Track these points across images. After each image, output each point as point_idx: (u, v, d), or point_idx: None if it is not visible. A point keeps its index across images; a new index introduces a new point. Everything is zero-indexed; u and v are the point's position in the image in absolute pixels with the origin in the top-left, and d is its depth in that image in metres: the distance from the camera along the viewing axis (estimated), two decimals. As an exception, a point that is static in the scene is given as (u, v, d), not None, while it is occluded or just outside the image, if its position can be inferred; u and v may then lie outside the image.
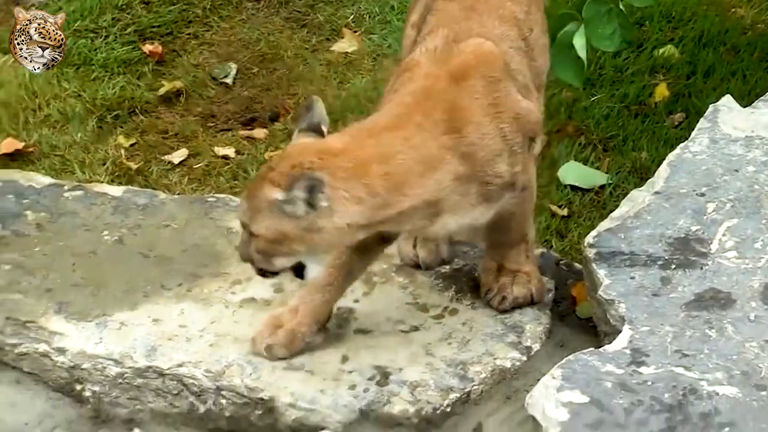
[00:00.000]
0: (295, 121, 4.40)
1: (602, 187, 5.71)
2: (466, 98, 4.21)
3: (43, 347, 4.50)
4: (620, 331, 4.15)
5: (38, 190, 5.11)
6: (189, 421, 4.41)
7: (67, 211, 5.01)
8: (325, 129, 4.23)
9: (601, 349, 4.10)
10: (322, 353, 4.46)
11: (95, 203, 5.07)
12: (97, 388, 4.46)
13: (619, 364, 4.01)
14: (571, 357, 4.07)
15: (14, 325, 4.55)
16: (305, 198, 3.97)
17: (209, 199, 5.13)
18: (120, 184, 5.46)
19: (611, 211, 4.72)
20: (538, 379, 4.05)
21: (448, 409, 4.33)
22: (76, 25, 6.63)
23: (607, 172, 5.77)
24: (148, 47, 6.59)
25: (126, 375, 4.43)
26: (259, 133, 6.11)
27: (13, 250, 4.83)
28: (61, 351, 4.47)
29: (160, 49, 6.59)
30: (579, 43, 5.15)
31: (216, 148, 6.01)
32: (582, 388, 3.93)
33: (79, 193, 5.11)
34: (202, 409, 4.39)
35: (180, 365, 4.41)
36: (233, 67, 6.39)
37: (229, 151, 5.99)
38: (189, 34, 6.72)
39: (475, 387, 4.38)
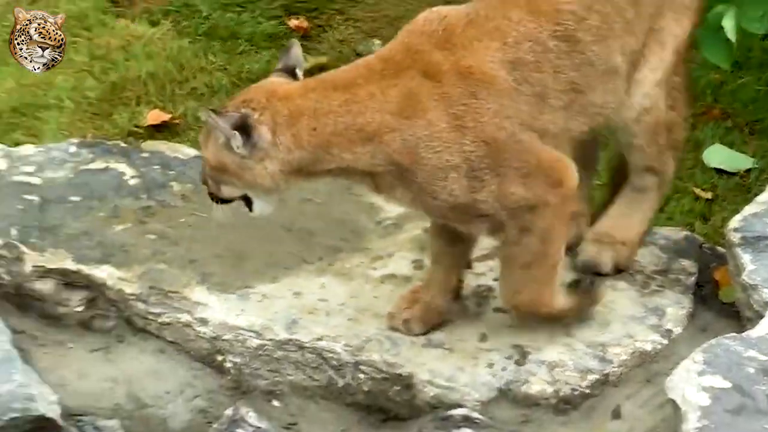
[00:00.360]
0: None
1: (748, 171, 5.69)
2: (427, 94, 4.22)
3: (185, 317, 4.69)
4: (763, 317, 4.17)
5: (184, 161, 5.32)
6: (327, 394, 4.56)
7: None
8: (299, 72, 4.41)
9: (743, 334, 4.12)
10: (461, 331, 4.56)
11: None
12: (238, 360, 4.63)
13: (762, 350, 4.02)
14: (713, 341, 4.10)
15: (158, 295, 4.74)
16: (240, 137, 4.19)
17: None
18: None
19: (756, 195, 4.73)
20: (679, 363, 4.09)
21: (587, 391, 4.40)
22: (224, -1, 6.85)
23: (752, 156, 5.74)
24: (293, 22, 6.76)
25: (266, 347, 4.59)
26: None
27: (158, 221, 5.03)
28: (204, 321, 4.65)
29: (305, 24, 6.75)
30: (729, 24, 5.14)
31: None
32: (724, 373, 3.96)
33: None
34: (340, 383, 4.54)
35: (319, 339, 4.56)
36: (378, 44, 6.49)
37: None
38: (335, 9, 6.86)
39: (614, 369, 4.43)
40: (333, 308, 4.67)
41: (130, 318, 4.74)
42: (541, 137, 4.30)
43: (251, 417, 4.43)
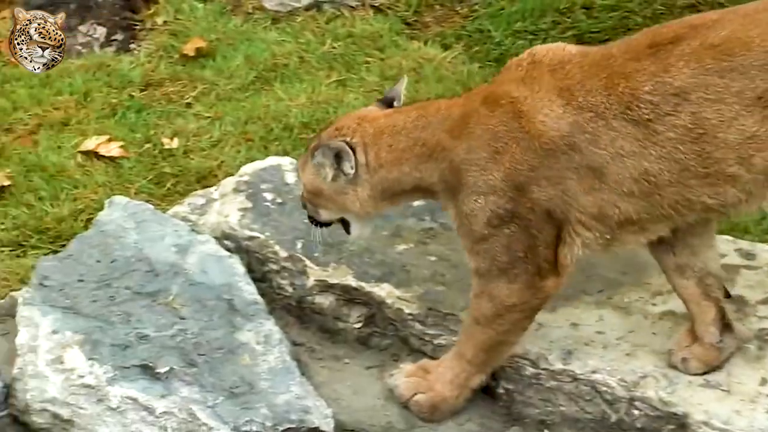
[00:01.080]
0: None
1: None
2: (477, 120, 4.40)
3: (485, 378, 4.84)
4: None
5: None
6: (600, 428, 4.68)
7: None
8: (397, 103, 4.71)
9: None
10: (740, 373, 4.61)
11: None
12: (511, 386, 4.81)
13: None
14: None
15: (435, 316, 4.97)
16: (332, 165, 4.54)
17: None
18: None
19: None
20: None
21: None
22: (516, 26, 7.05)
23: None
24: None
25: (540, 376, 4.76)
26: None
27: (439, 243, 5.26)
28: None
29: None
30: None
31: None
32: None
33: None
34: (613, 417, 4.65)
35: (594, 371, 4.69)
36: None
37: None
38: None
39: None
40: (610, 342, 4.79)
41: (407, 337, 5.00)
42: (597, 219, 4.38)
43: (522, 445, 4.63)
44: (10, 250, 6.00)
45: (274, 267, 5.16)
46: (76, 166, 6.45)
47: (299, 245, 5.18)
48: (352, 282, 5.07)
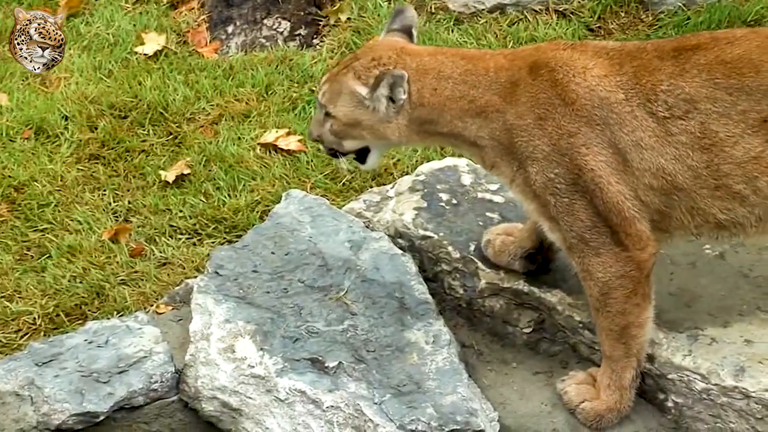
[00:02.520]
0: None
1: None
2: (524, 87, 4.54)
3: (639, 363, 4.87)
4: None
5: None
6: (770, 448, 4.70)
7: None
8: (414, 32, 4.81)
9: None
10: None
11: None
12: (680, 400, 4.84)
13: None
14: None
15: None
16: (387, 94, 4.59)
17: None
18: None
19: None
20: None
21: None
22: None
23: None
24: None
25: (711, 391, 4.78)
26: None
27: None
28: (650, 358, 4.88)
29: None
30: None
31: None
32: None
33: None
34: (783, 438, 4.66)
35: (767, 390, 4.69)
36: None
37: None
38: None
39: None
40: (788, 360, 4.79)
41: (577, 345, 5.07)
42: (636, 198, 4.51)
43: (688, 459, 4.66)
44: (187, 238, 6.25)
45: (446, 267, 5.28)
46: (255, 158, 6.68)
47: (472, 247, 5.28)
48: (523, 287, 5.16)
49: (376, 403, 4.76)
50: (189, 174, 6.63)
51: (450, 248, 5.28)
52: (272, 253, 5.25)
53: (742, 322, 4.96)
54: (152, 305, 5.52)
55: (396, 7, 4.96)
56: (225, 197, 6.45)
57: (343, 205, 5.68)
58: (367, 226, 5.40)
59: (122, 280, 6.05)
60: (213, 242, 6.15)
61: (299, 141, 6.72)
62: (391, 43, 4.82)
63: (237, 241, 5.43)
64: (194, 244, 6.23)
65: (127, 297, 5.92)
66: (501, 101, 4.62)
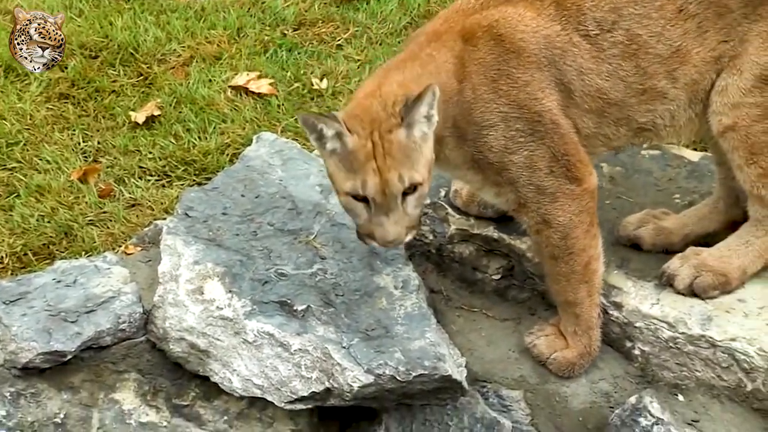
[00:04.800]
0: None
1: None
2: (469, 59, 4.50)
3: (599, 300, 4.92)
4: None
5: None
6: (734, 396, 4.72)
7: (642, 168, 5.43)
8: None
9: None
10: None
11: (671, 165, 5.47)
12: (647, 348, 4.86)
13: None
14: None
15: (575, 274, 5.05)
16: (429, 113, 4.42)
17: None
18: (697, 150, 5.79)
19: None
20: None
21: None
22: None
23: None
24: None
25: (678, 340, 4.80)
26: None
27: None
28: (617, 306, 4.90)
29: None
30: None
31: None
32: None
33: (656, 152, 5.53)
34: (749, 386, 4.68)
35: (733, 339, 4.71)
36: None
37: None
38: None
39: None
40: (751, 310, 4.81)
41: (545, 292, 5.08)
42: (575, 128, 4.58)
43: (654, 408, 4.68)
44: (156, 180, 6.23)
45: (416, 213, 5.26)
46: (226, 100, 6.65)
47: (443, 193, 5.29)
48: (493, 233, 5.16)
49: (344, 347, 4.76)
50: (159, 115, 6.60)
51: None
52: (242, 195, 5.23)
53: (710, 272, 4.99)
54: (121, 246, 5.50)
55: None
56: (195, 139, 6.42)
57: (314, 149, 5.65)
58: (337, 171, 5.37)
59: (91, 220, 6.03)
60: (182, 184, 6.13)
61: (270, 84, 6.69)
62: (377, 83, 4.54)
63: (207, 184, 5.41)
64: (163, 186, 6.21)
65: (95, 237, 5.90)
66: (457, 83, 4.57)
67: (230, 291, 4.87)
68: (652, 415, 4.68)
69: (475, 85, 4.55)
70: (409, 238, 4.48)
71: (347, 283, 4.95)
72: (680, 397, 4.79)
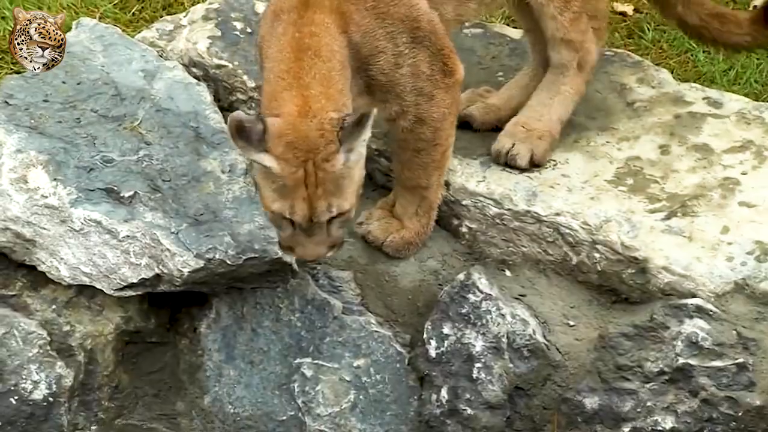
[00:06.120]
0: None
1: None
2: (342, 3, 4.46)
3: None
4: None
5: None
6: (560, 270, 4.84)
7: (465, 47, 5.43)
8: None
9: None
10: (703, 221, 4.74)
11: (493, 43, 5.51)
12: (474, 226, 4.93)
13: None
14: None
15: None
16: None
17: (606, 53, 5.41)
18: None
19: None
20: None
21: (829, 294, 4.53)
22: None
23: None
24: None
25: (504, 216, 4.88)
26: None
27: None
28: (445, 185, 4.93)
29: None
30: None
31: (615, 4, 6.31)
32: None
33: (478, 30, 5.56)
34: (574, 260, 4.80)
35: (558, 214, 4.82)
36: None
37: (628, 8, 6.30)
38: None
39: None
40: (575, 185, 4.91)
41: (373, 173, 5.07)
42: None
43: (483, 283, 4.77)
44: (-16, 69, 6.03)
45: (242, 97, 5.22)
46: (42, -13, 6.44)
47: (268, 75, 5.22)
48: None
49: (173, 233, 4.73)
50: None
51: (245, 77, 5.21)
52: (63, 82, 5.09)
53: (534, 149, 5.06)
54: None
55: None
56: (11, 26, 6.20)
57: (135, 35, 5.53)
58: (160, 56, 5.28)
59: None
60: (1, 72, 5.93)
61: (87, -30, 6.51)
62: (300, 123, 4.36)
63: (26, 71, 5.25)
64: (-21, 75, 6.02)
65: None
66: (344, 35, 4.46)
67: (55, 179, 4.76)
68: (480, 291, 4.76)
69: (358, 23, 4.47)
70: (330, 254, 4.51)
71: (174, 169, 4.89)
72: (507, 273, 4.89)
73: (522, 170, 4.92)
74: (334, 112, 4.32)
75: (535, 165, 4.94)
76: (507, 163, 4.95)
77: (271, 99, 4.40)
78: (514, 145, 4.94)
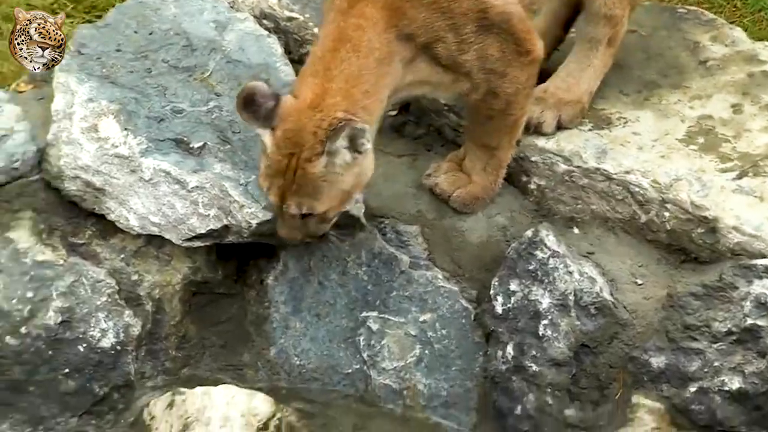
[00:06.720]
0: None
1: None
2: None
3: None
4: None
5: None
6: (629, 228, 4.80)
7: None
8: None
9: None
10: (777, 182, 4.69)
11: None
12: (543, 183, 4.91)
13: None
14: None
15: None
16: (347, 146, 4.35)
17: (680, 11, 5.37)
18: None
19: None
20: None
21: None
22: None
23: None
24: None
25: (573, 173, 4.85)
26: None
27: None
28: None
29: None
30: None
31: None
32: None
33: None
34: (643, 218, 4.75)
35: (628, 172, 4.77)
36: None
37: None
38: None
39: None
40: (645, 143, 4.86)
41: (442, 128, 5.09)
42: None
43: (551, 240, 4.74)
44: (46, 18, 6.04)
45: (312, 49, 5.20)
46: (114, -66, 6.45)
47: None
48: (389, 69, 5.11)
49: (241, 184, 4.74)
50: (40, -49, 6.39)
51: (316, 30, 5.19)
52: (135, 32, 5.10)
53: (605, 106, 5.02)
54: (11, 84, 5.33)
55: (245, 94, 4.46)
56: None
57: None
58: (231, 7, 5.28)
59: (-21, 58, 5.86)
60: (72, 22, 5.96)
61: None
62: (304, 115, 4.38)
63: (98, 21, 5.27)
64: (54, 24, 6.03)
65: (-15, 75, 5.74)
66: (394, 30, 4.42)
67: (125, 129, 4.78)
68: (548, 247, 4.73)
69: (412, 17, 4.42)
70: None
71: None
72: (575, 230, 4.86)
73: (547, 135, 4.93)
74: (343, 113, 4.31)
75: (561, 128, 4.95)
76: (535, 129, 4.92)
77: (300, 76, 4.46)
78: (542, 111, 4.92)
